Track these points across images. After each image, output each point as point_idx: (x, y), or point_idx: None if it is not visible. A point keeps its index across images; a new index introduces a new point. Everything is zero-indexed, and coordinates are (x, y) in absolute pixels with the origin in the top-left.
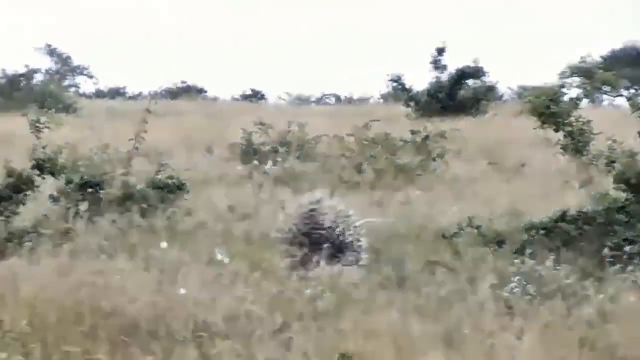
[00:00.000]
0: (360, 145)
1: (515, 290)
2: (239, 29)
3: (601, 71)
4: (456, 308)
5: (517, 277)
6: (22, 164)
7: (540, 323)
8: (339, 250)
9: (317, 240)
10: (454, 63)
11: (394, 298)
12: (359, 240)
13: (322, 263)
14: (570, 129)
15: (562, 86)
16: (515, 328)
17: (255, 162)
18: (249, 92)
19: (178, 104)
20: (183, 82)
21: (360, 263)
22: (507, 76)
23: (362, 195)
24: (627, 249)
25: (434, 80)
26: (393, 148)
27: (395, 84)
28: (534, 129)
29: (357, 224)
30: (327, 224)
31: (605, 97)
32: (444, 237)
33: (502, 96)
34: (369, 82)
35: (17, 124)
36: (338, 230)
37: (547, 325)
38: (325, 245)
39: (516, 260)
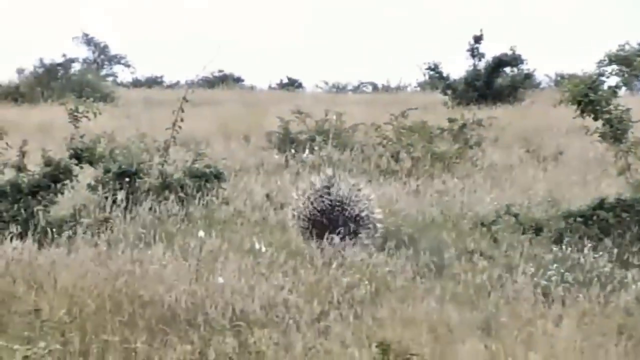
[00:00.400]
0: (397, 134)
1: (552, 278)
2: (275, 17)
3: (639, 59)
4: (493, 296)
5: (555, 265)
6: (60, 153)
7: (578, 310)
8: (354, 223)
9: (333, 216)
10: (491, 50)
11: (432, 286)
12: (372, 213)
13: (337, 239)
14: (608, 116)
15: (601, 74)
16: (553, 315)
17: (292, 151)
18: (286, 81)
19: (215, 93)
20: (220, 71)
21: (377, 235)
22: (544, 63)
23: (399, 183)
24: None
25: (471, 68)
26: (430, 136)
27: (432, 72)
28: (573, 117)
29: (371, 196)
30: (342, 199)
31: None
32: (482, 224)
33: (539, 83)
34: (406, 70)
35: (55, 113)
36: (352, 204)
37: (584, 313)
38: (341, 220)
39: (554, 248)
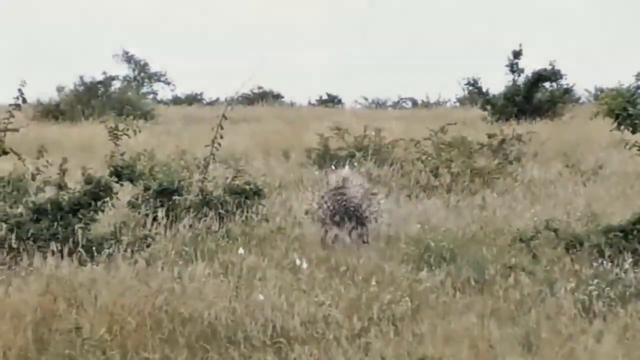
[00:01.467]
0: (436, 149)
1: (593, 293)
2: (315, 34)
3: None
4: (534, 311)
5: (595, 280)
6: (101, 171)
7: (619, 326)
8: (362, 223)
9: (345, 215)
10: (530, 65)
11: (472, 302)
12: (381, 216)
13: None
14: None
15: (639, 87)
16: (594, 331)
17: (332, 167)
18: (325, 97)
19: (254, 110)
20: (259, 88)
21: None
22: (584, 78)
23: (439, 199)
24: None
25: (510, 83)
26: (469, 151)
27: (471, 88)
28: (611, 130)
29: (382, 201)
30: (355, 200)
31: None
32: (521, 240)
33: (578, 98)
34: (445, 86)
35: (96, 131)
36: (364, 205)
37: (626, 328)
38: (351, 219)
39: (594, 263)
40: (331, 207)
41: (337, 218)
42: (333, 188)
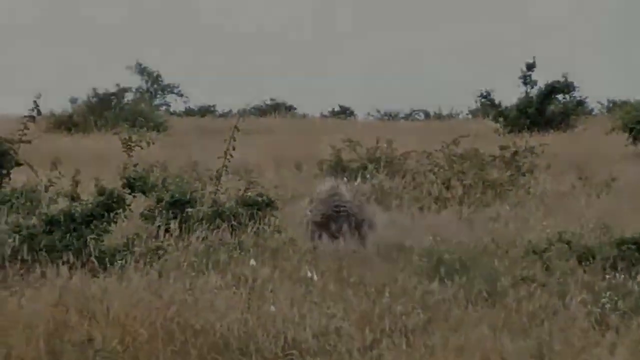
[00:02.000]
0: (448, 161)
1: (606, 306)
2: (327, 47)
3: None
4: (547, 323)
5: (608, 292)
6: (113, 183)
7: (632, 338)
8: (357, 226)
9: (339, 219)
10: (543, 77)
11: (484, 314)
12: (374, 216)
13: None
14: None
15: None
16: (607, 343)
17: (344, 179)
18: (338, 109)
19: (267, 121)
20: (272, 100)
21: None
22: (596, 90)
23: (451, 211)
24: None
25: (523, 95)
26: (482, 163)
27: (484, 100)
28: (625, 145)
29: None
30: (347, 204)
31: None
32: (534, 252)
33: (591, 110)
34: (458, 98)
35: (109, 142)
36: (356, 208)
37: (639, 341)
38: (346, 222)
39: (607, 275)
40: (323, 211)
41: (328, 221)
42: (326, 194)
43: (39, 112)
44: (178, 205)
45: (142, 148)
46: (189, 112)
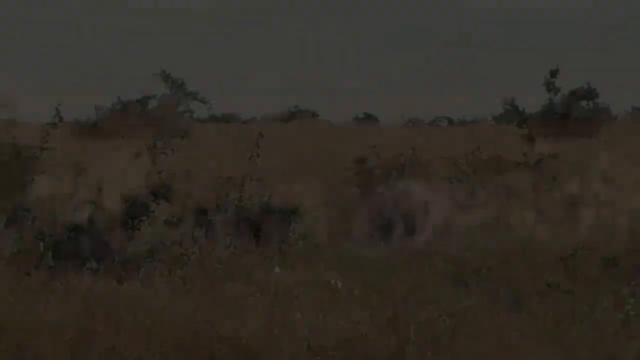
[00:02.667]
0: (472, 167)
1: (631, 313)
2: (350, 53)
3: None
4: (573, 330)
5: (633, 299)
6: (138, 190)
7: None
8: (412, 231)
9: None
10: (567, 84)
11: (510, 320)
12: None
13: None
14: None
15: None
16: (633, 350)
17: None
18: (362, 115)
19: (291, 128)
20: (295, 106)
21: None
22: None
23: (475, 217)
24: None
25: (547, 102)
26: (506, 170)
27: (507, 106)
28: None
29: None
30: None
31: None
32: (560, 258)
33: (615, 116)
34: (482, 104)
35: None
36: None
37: None
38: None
39: (632, 282)
40: (389, 216)
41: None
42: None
43: (60, 119)
44: (202, 212)
45: (166, 155)
46: (213, 119)
